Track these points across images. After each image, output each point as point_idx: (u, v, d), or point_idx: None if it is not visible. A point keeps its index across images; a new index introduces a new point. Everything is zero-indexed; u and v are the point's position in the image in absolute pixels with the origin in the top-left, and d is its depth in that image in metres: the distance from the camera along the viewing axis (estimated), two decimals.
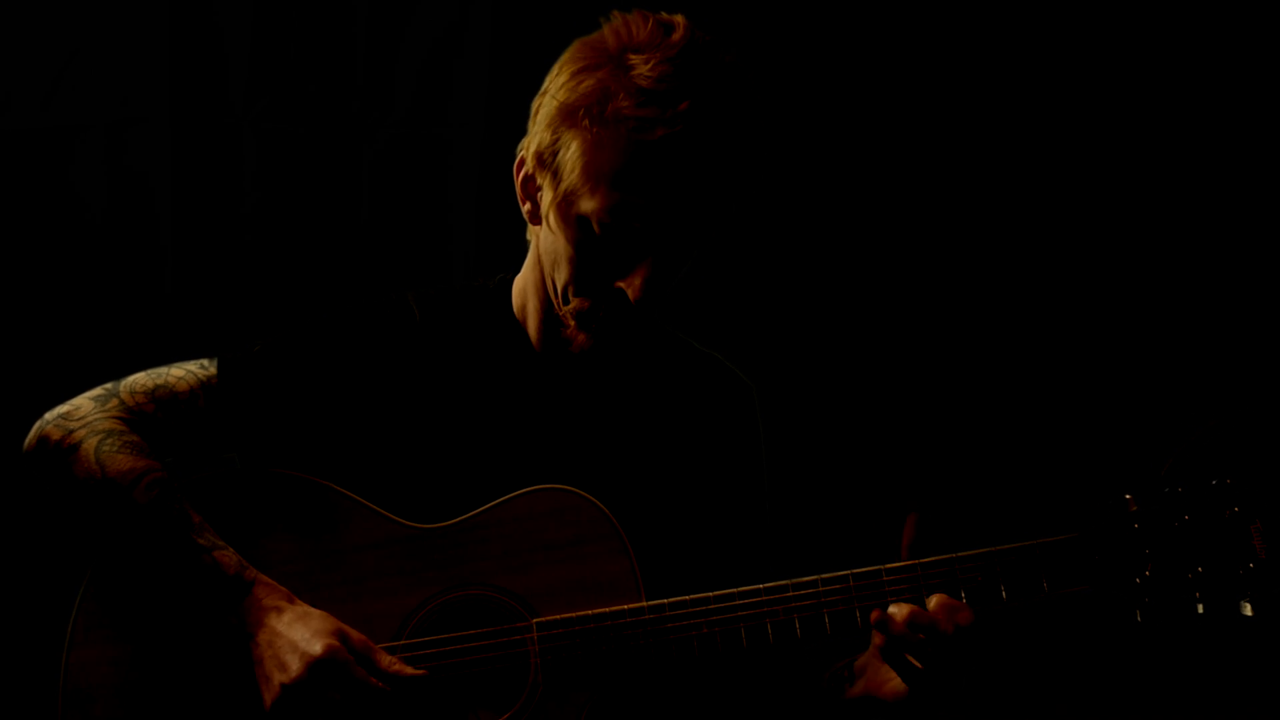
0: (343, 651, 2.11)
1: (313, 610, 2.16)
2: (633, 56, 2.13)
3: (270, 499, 2.26)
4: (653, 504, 2.32)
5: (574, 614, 2.18)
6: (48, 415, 2.25)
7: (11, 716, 3.28)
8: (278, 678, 2.12)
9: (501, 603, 2.20)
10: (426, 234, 3.49)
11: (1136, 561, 2.15)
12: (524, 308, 2.36)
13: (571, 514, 2.22)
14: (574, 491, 2.23)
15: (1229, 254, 3.36)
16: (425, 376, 2.31)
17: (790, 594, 2.17)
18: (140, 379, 2.28)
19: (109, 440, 2.20)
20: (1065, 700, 3.33)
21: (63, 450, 2.21)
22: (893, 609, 2.12)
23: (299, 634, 2.12)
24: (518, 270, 2.39)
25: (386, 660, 2.15)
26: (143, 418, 2.25)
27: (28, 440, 2.25)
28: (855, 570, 2.17)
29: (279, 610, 2.15)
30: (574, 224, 2.19)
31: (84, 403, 2.25)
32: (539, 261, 2.30)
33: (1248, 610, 2.11)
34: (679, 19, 2.19)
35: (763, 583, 2.18)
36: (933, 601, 2.12)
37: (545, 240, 2.26)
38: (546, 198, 2.22)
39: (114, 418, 2.24)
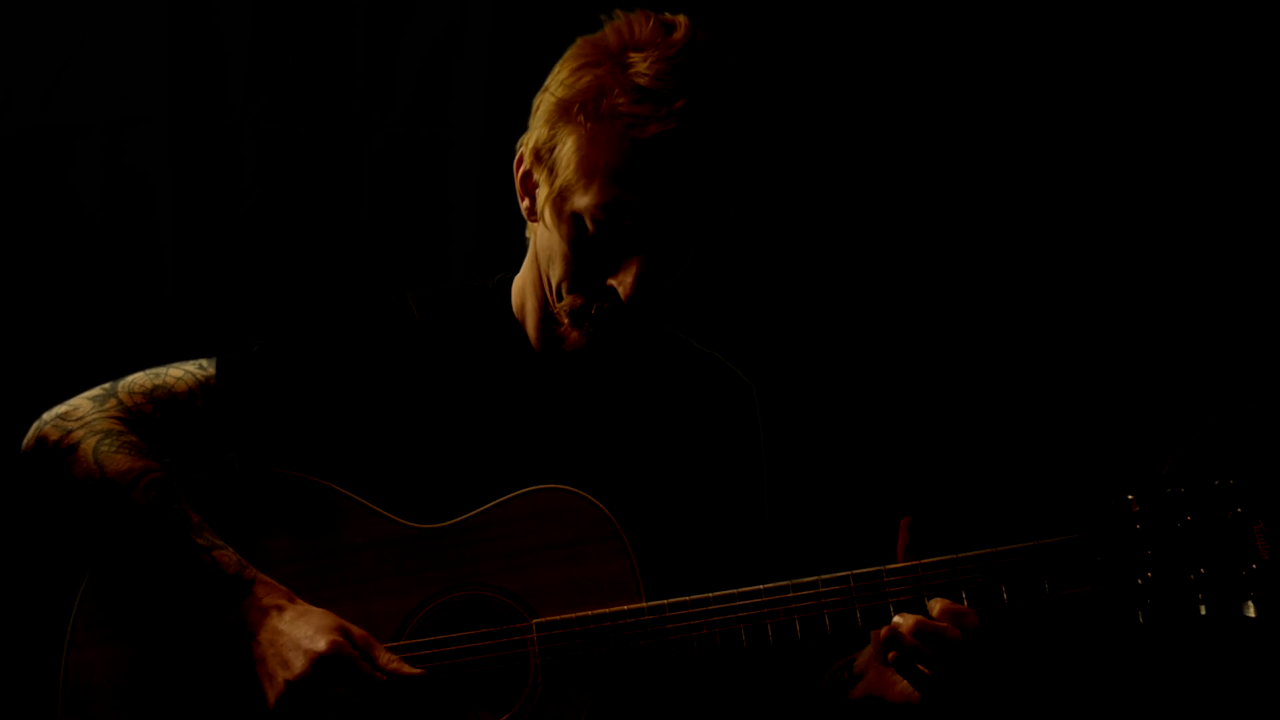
0: (346, 647, 2.12)
1: (313, 608, 2.17)
2: (633, 55, 2.13)
3: (269, 499, 2.26)
4: (652, 504, 2.32)
5: (574, 614, 2.18)
6: (46, 415, 2.25)
7: (11, 716, 3.28)
8: (281, 675, 2.11)
9: (501, 603, 2.20)
10: (426, 234, 3.48)
11: (1138, 562, 2.14)
12: (523, 307, 2.36)
13: (571, 514, 2.22)
14: (574, 492, 2.23)
15: (1230, 254, 3.35)
16: (424, 376, 2.31)
17: (790, 595, 2.17)
18: (139, 379, 2.28)
19: (107, 440, 2.20)
20: (1067, 701, 3.33)
21: (61, 450, 2.21)
22: (898, 620, 2.11)
23: (301, 631, 2.12)
24: (517, 270, 2.39)
25: (385, 658, 2.14)
26: (141, 418, 2.25)
27: (26, 440, 2.25)
28: (855, 571, 2.17)
29: (280, 609, 2.15)
30: (568, 220, 2.19)
31: (82, 403, 2.25)
32: (536, 260, 2.30)
33: (1251, 611, 2.10)
34: (681, 19, 2.19)
35: (763, 583, 2.17)
36: (936, 607, 2.12)
37: (541, 237, 2.26)
38: (542, 193, 2.22)
39: (112, 418, 2.23)
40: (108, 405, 2.25)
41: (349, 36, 3.48)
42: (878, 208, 3.44)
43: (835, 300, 3.44)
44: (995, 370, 3.40)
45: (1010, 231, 3.41)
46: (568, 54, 2.21)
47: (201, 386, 2.28)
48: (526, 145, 2.24)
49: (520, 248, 2.38)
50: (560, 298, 2.25)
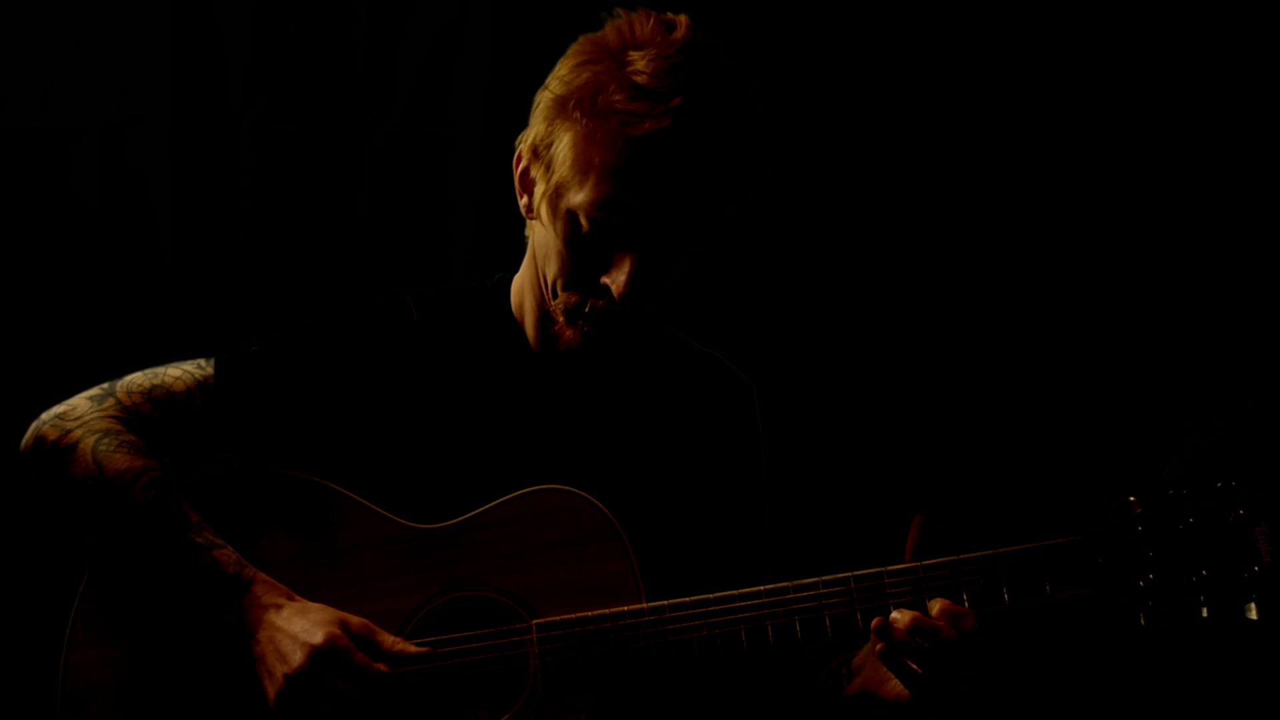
0: (344, 639, 2.11)
1: (310, 604, 2.16)
2: (632, 53, 2.13)
3: (268, 499, 2.26)
4: (652, 504, 2.32)
5: (573, 615, 2.17)
6: (44, 415, 2.25)
7: (10, 717, 3.28)
8: (280, 669, 2.11)
9: (501, 603, 2.20)
10: (425, 234, 3.48)
11: (1140, 564, 2.14)
12: (521, 306, 2.36)
13: (571, 514, 2.22)
14: (573, 492, 2.22)
15: (1231, 255, 3.35)
16: (423, 376, 2.31)
17: (791, 595, 2.16)
18: (137, 379, 2.28)
19: (106, 440, 2.20)
20: (1068, 703, 3.32)
21: (60, 450, 2.20)
22: (895, 615, 2.11)
23: (299, 626, 2.12)
24: (517, 270, 2.39)
25: (389, 640, 2.14)
26: (140, 418, 2.25)
27: (25, 440, 2.25)
28: (856, 572, 2.16)
29: (278, 607, 2.15)
30: (563, 217, 2.19)
31: (81, 403, 2.25)
32: (535, 258, 2.29)
33: (1253, 613, 2.10)
34: (682, 19, 2.19)
35: (763, 584, 2.17)
36: (935, 607, 2.11)
37: (538, 235, 2.26)
38: (539, 190, 2.22)
39: (111, 417, 2.23)
40: (106, 405, 2.24)
41: (348, 36, 3.48)
42: (879, 209, 3.44)
43: (835, 300, 3.44)
44: (996, 371, 3.40)
45: (1012, 232, 3.41)
46: (569, 51, 2.21)
47: (200, 386, 2.28)
48: (525, 142, 2.24)
49: (520, 247, 2.37)
50: (555, 295, 2.24)
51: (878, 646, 2.12)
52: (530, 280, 2.32)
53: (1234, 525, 2.12)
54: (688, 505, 2.36)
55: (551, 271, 2.24)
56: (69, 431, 2.21)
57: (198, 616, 2.18)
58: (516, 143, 2.26)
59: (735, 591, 2.17)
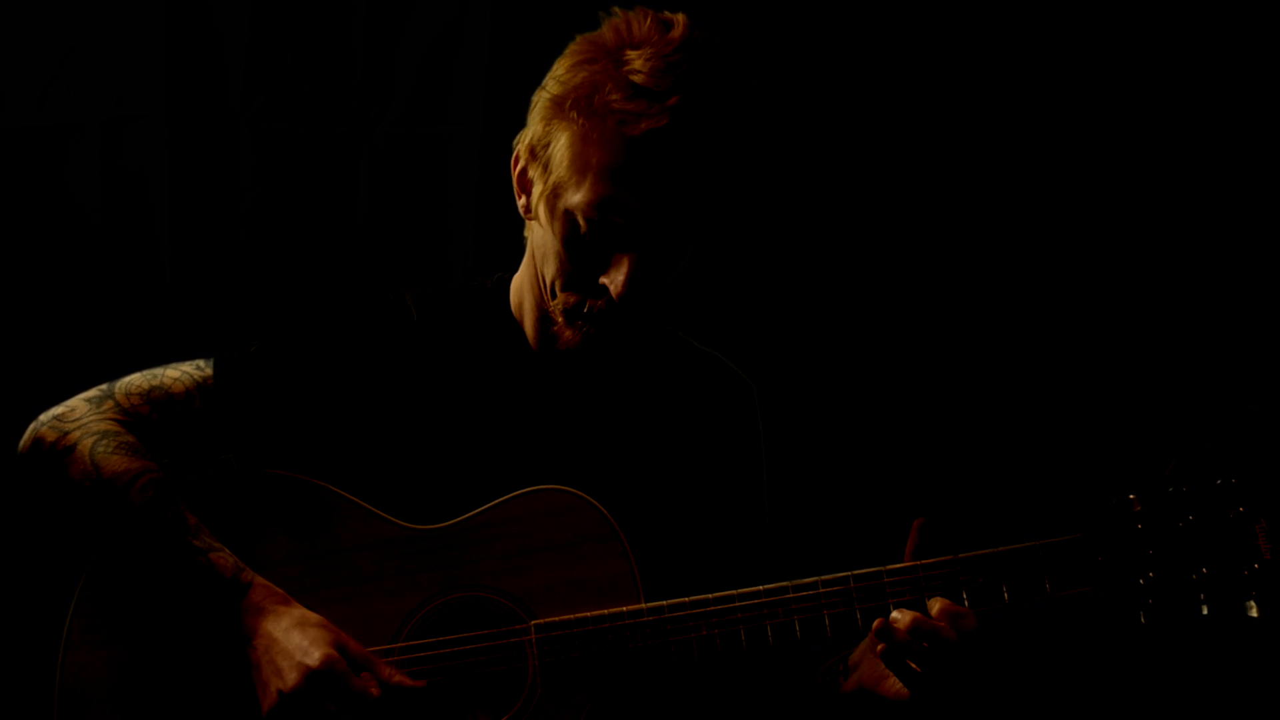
0: (340, 663, 2.10)
1: (310, 615, 2.15)
2: (629, 53, 2.13)
3: (267, 500, 2.26)
4: (652, 504, 2.31)
5: (572, 616, 2.17)
6: (42, 417, 2.25)
7: None
8: (275, 684, 2.11)
9: (499, 604, 2.20)
10: (425, 233, 3.48)
11: (1140, 562, 2.13)
12: (521, 306, 2.36)
13: (570, 515, 2.22)
14: (572, 492, 2.22)
15: (1231, 254, 3.35)
16: (422, 376, 2.31)
17: (790, 595, 2.16)
18: (136, 380, 2.28)
19: (104, 441, 2.20)
20: (1068, 702, 3.32)
21: (58, 452, 2.20)
22: (895, 615, 2.10)
23: (296, 642, 2.11)
24: (516, 269, 2.38)
25: (387, 671, 2.14)
26: (138, 419, 2.24)
27: (22, 442, 2.25)
28: (855, 571, 2.16)
29: (276, 614, 2.14)
30: (561, 218, 2.18)
31: (79, 404, 2.25)
32: (533, 258, 2.29)
33: (1253, 611, 2.10)
34: (680, 18, 2.19)
35: (762, 583, 2.16)
36: (935, 607, 2.11)
37: (537, 235, 2.26)
38: (537, 191, 2.22)
39: (109, 419, 2.23)
40: (105, 406, 2.24)
41: (348, 35, 3.47)
42: (878, 208, 3.43)
43: (835, 299, 3.44)
44: (997, 369, 3.40)
45: (1012, 230, 3.40)
46: (566, 51, 2.21)
47: (199, 387, 2.28)
48: (523, 142, 2.24)
49: (519, 247, 2.37)
50: (554, 296, 2.24)
51: (878, 647, 2.12)
52: (529, 280, 2.32)
53: (1234, 523, 2.11)
54: (687, 505, 2.35)
55: (550, 272, 2.23)
56: (67, 433, 2.21)
57: (195, 620, 2.17)
58: (514, 143, 2.26)
59: (734, 591, 2.16)
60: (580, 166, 2.15)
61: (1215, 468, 2.13)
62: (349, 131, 3.47)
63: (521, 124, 2.26)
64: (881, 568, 2.16)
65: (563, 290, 2.23)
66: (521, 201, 2.28)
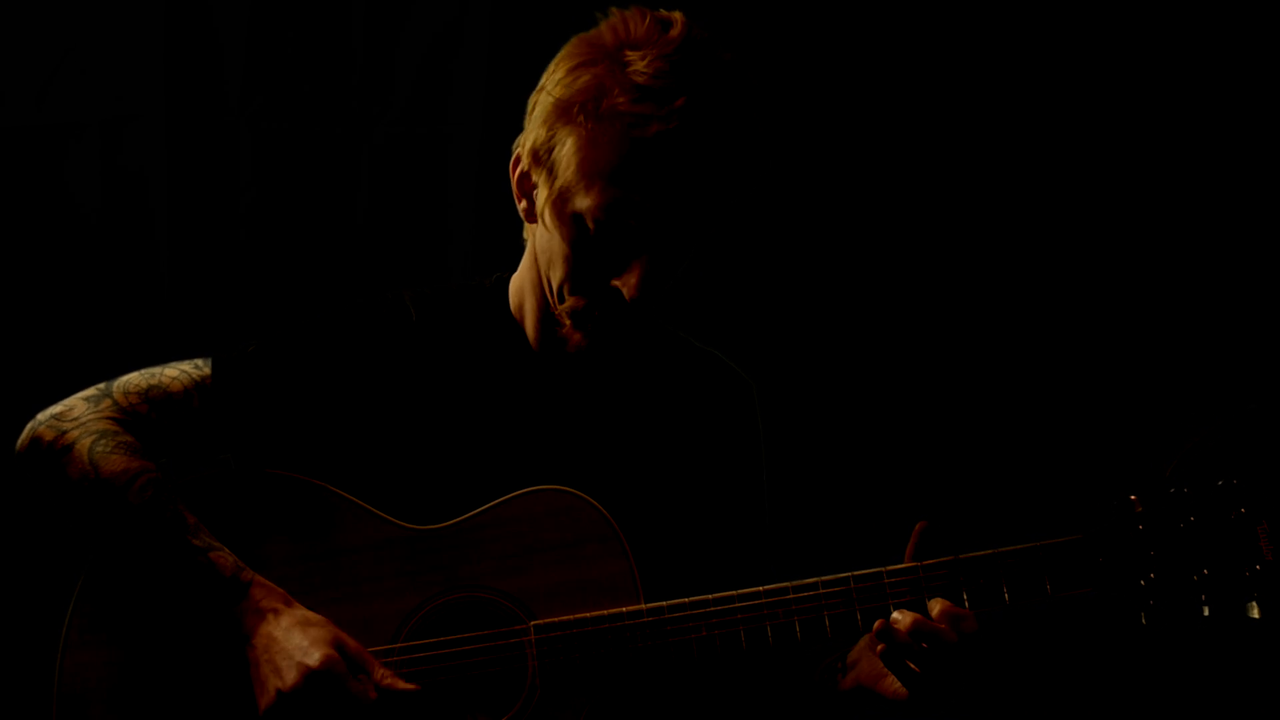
0: (340, 664, 2.10)
1: (310, 615, 2.15)
2: (630, 53, 2.12)
3: (266, 500, 2.25)
4: (651, 504, 2.31)
5: (572, 616, 2.17)
6: (40, 416, 2.25)
7: None
8: (273, 683, 2.10)
9: (499, 605, 2.19)
10: (424, 233, 3.48)
11: (1141, 563, 2.13)
12: (521, 307, 2.35)
13: (569, 515, 2.21)
14: (572, 492, 2.22)
15: (1231, 254, 3.35)
16: (421, 376, 2.30)
17: (790, 596, 2.16)
18: (134, 379, 2.27)
19: (103, 441, 2.19)
20: (1069, 703, 3.32)
21: (56, 451, 2.20)
22: (896, 616, 2.10)
23: (296, 642, 2.11)
24: (515, 269, 2.38)
25: (380, 673, 2.13)
26: (136, 418, 2.24)
27: (20, 441, 2.24)
28: (856, 572, 2.16)
29: (276, 613, 2.14)
30: (569, 222, 2.18)
31: (77, 403, 2.24)
32: (535, 260, 2.28)
33: (1254, 612, 2.09)
34: (677, 16, 2.18)
35: (763, 584, 2.16)
36: (935, 608, 2.10)
37: (541, 238, 2.25)
38: (542, 195, 2.20)
39: (107, 418, 2.22)
40: (103, 405, 2.24)
41: (347, 34, 3.47)
42: (879, 206, 3.43)
43: (835, 299, 3.44)
44: (997, 369, 3.39)
45: (1014, 232, 3.40)
46: (562, 53, 2.20)
47: (197, 386, 2.27)
48: (523, 146, 2.23)
49: (519, 247, 2.36)
50: (562, 299, 2.23)
51: (878, 647, 2.12)
52: (531, 281, 2.31)
53: (1235, 524, 2.11)
54: (687, 505, 2.35)
55: (558, 276, 2.22)
56: (65, 432, 2.21)
57: (195, 620, 2.17)
58: (514, 147, 2.25)
59: (734, 592, 2.16)
60: (589, 170, 2.14)
61: (1216, 468, 2.12)
62: (348, 131, 3.47)
63: (522, 124, 2.25)
64: (882, 568, 2.15)
65: (571, 294, 2.22)
66: (522, 205, 2.27)
